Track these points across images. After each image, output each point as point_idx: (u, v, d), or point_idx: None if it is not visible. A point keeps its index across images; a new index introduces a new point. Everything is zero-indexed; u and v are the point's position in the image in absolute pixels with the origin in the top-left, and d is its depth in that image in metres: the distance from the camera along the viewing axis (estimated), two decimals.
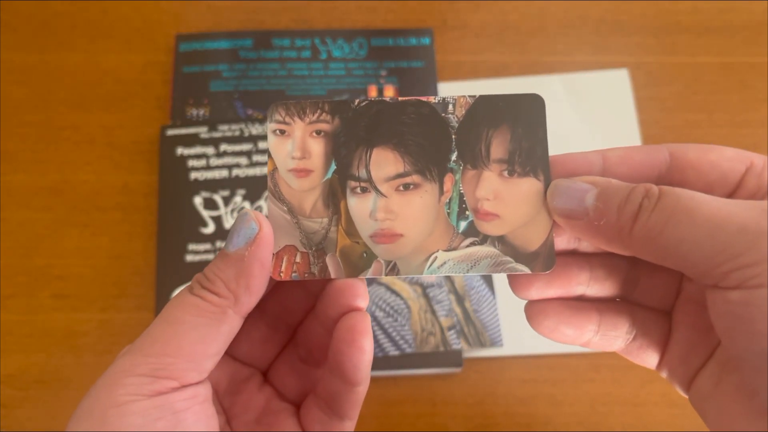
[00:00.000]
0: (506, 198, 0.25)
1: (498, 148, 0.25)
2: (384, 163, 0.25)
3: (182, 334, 0.23)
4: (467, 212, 0.25)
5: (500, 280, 0.50)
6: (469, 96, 0.26)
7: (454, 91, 0.57)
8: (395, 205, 0.25)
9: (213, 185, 0.52)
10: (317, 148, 0.26)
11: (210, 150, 0.53)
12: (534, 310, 0.26)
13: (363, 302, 0.25)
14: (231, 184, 0.52)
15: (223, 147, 0.53)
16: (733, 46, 0.60)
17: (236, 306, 0.24)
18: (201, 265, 0.50)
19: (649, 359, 0.26)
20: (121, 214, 0.53)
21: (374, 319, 0.49)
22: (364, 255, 0.26)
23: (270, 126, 0.26)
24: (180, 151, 0.53)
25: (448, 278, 0.50)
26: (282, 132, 0.26)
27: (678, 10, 0.61)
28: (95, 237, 0.52)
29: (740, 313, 0.20)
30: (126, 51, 0.59)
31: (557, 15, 0.61)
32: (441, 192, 0.26)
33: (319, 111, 0.26)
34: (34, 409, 0.48)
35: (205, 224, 0.51)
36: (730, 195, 0.24)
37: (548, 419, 0.48)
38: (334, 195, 0.26)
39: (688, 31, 0.60)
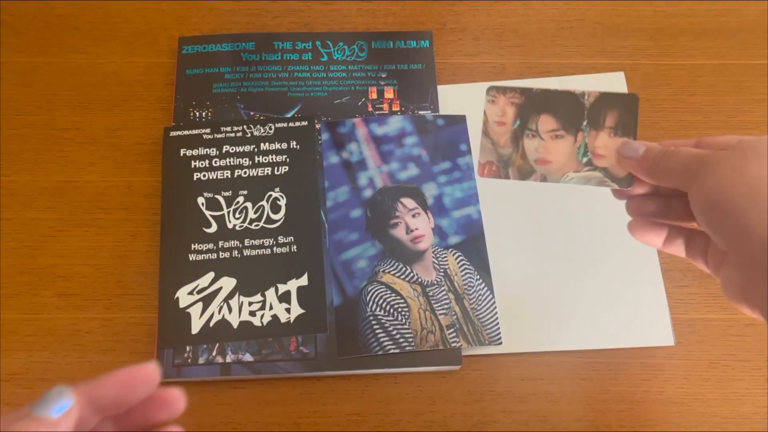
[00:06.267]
0: (610, 147, 0.42)
1: (609, 120, 0.43)
2: (546, 122, 0.44)
3: None
4: (588, 153, 0.43)
5: (499, 279, 0.51)
6: (597, 91, 0.43)
7: (453, 94, 0.58)
8: (549, 145, 0.44)
9: (216, 186, 0.53)
10: (511, 111, 0.44)
11: (213, 151, 0.54)
12: (633, 225, 0.43)
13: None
14: (233, 184, 0.53)
15: (226, 148, 0.54)
16: (729, 48, 0.60)
17: None
18: (204, 264, 0.50)
19: (681, 251, 0.43)
20: (125, 215, 0.54)
21: (375, 317, 0.49)
22: (530, 170, 0.44)
23: (486, 98, 0.45)
24: (183, 152, 0.54)
25: (447, 278, 0.51)
26: (492, 101, 0.45)
27: (674, 13, 0.62)
28: (99, 237, 0.53)
29: (707, 204, 0.35)
30: (129, 53, 0.59)
31: (555, 18, 0.62)
32: (575, 141, 0.43)
33: (513, 92, 0.44)
34: None
35: (208, 224, 0.52)
36: None
37: (546, 417, 0.49)
38: (517, 137, 0.44)
39: (685, 34, 0.61)
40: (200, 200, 0.52)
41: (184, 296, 0.50)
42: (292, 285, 0.50)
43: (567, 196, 0.53)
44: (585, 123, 0.44)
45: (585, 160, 0.43)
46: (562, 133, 0.44)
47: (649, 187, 0.43)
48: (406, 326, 0.49)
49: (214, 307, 0.49)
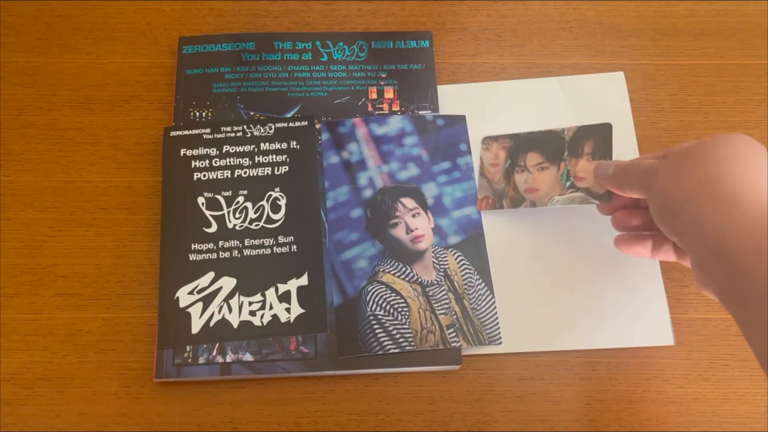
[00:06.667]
0: (589, 171, 0.48)
1: (587, 148, 0.50)
2: (532, 158, 0.52)
3: None
4: (570, 177, 0.50)
5: (499, 279, 0.51)
6: (575, 126, 0.51)
7: (453, 94, 0.58)
8: (536, 176, 0.51)
9: (216, 186, 0.53)
10: (502, 154, 0.53)
11: (213, 151, 0.54)
12: (619, 240, 0.47)
13: None
14: (233, 184, 0.53)
15: (226, 148, 0.54)
16: (729, 48, 0.60)
17: None
18: (204, 264, 0.51)
19: (671, 256, 0.47)
20: (125, 214, 0.54)
21: (375, 317, 0.49)
22: (520, 199, 0.51)
23: (482, 146, 0.55)
24: (183, 152, 0.54)
25: (447, 278, 0.51)
26: (487, 148, 0.54)
27: (674, 13, 0.62)
28: (99, 237, 0.53)
29: (656, 208, 0.40)
30: (129, 53, 0.60)
31: (554, 18, 0.62)
32: (558, 169, 0.50)
33: (504, 138, 0.54)
34: (38, 407, 0.49)
35: (208, 224, 0.52)
36: None
37: (546, 416, 0.49)
38: (509, 174, 0.52)
39: (684, 34, 0.61)
40: (200, 200, 0.53)
41: (184, 296, 0.50)
42: (292, 285, 0.50)
43: None
44: (566, 153, 0.50)
45: (568, 184, 0.50)
46: (546, 165, 0.51)
47: (628, 200, 0.47)
48: (406, 326, 0.49)
49: (214, 306, 0.50)
